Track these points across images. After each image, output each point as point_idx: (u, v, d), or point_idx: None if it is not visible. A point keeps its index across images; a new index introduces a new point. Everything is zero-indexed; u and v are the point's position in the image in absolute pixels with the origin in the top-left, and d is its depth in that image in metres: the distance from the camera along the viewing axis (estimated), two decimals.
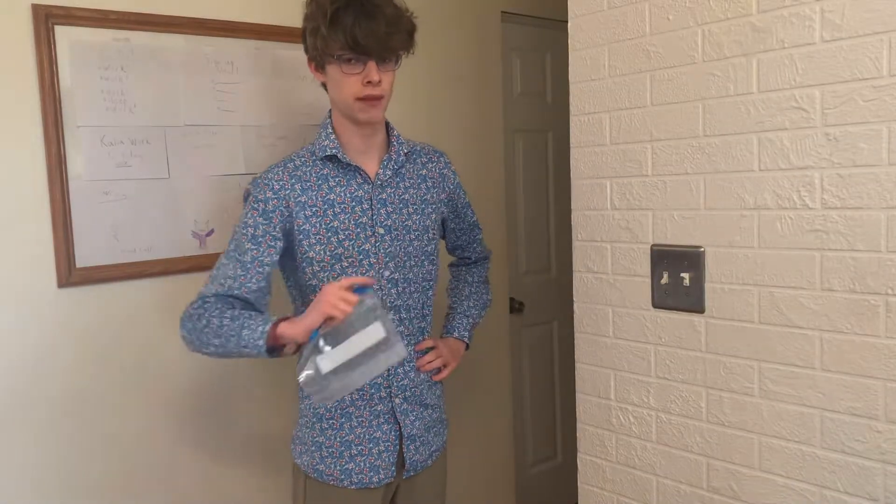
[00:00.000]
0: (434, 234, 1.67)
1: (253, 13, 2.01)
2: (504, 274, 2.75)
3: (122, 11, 1.79)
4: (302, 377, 1.33)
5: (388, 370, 1.57)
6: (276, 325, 1.40)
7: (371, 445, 1.59)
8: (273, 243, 1.51)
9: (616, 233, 1.68)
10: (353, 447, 1.59)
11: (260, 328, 1.40)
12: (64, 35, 1.72)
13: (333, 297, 1.35)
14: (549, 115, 2.92)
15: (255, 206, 1.51)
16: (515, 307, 2.82)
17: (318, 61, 1.51)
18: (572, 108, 1.75)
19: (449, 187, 1.73)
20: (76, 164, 1.75)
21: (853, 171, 1.30)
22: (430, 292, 1.69)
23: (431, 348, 1.70)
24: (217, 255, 1.96)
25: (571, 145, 1.77)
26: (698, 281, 1.53)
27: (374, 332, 1.35)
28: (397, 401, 1.61)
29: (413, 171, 1.64)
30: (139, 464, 1.88)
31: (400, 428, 1.61)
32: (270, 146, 2.06)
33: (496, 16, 2.67)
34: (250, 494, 2.08)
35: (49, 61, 1.69)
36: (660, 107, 1.57)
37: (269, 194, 1.51)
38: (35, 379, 1.73)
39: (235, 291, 1.48)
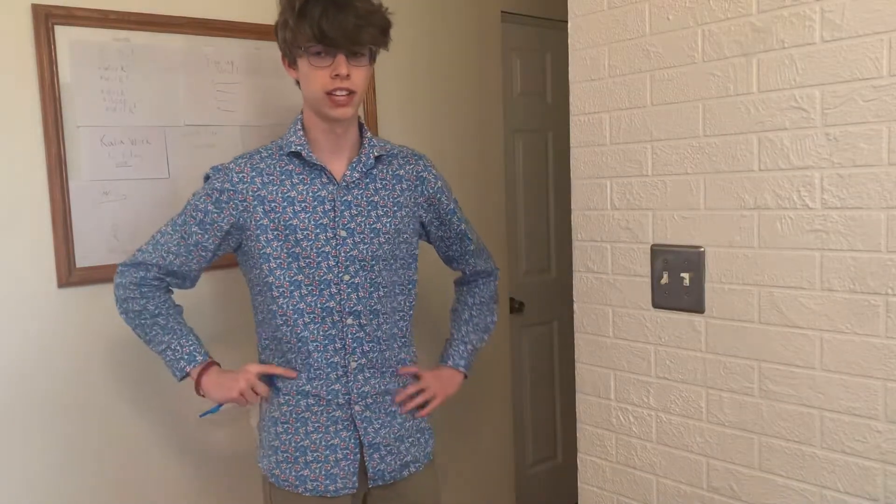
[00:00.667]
0: (408, 237, 1.63)
1: (253, 13, 2.01)
2: (504, 274, 2.75)
3: (122, 11, 1.79)
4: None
5: (346, 376, 1.56)
6: (203, 370, 1.57)
7: (328, 452, 1.55)
8: (218, 232, 1.54)
9: (616, 233, 1.68)
10: (309, 453, 1.55)
11: (183, 362, 1.57)
12: (64, 35, 1.72)
13: (245, 385, 1.54)
14: (549, 115, 2.92)
15: (210, 192, 1.53)
16: (515, 307, 2.82)
17: (290, 56, 1.50)
18: (572, 108, 1.75)
19: (428, 191, 1.67)
20: (76, 164, 1.75)
21: (853, 171, 1.30)
22: (404, 297, 1.64)
23: (416, 378, 1.67)
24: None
25: (571, 145, 1.77)
26: (698, 281, 1.53)
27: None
28: (357, 408, 1.56)
29: (387, 172, 1.60)
30: (139, 464, 1.88)
31: (360, 436, 1.57)
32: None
33: (496, 16, 2.67)
34: (252, 494, 2.08)
35: (49, 61, 1.70)
36: (660, 107, 1.57)
37: (227, 185, 1.52)
38: (35, 379, 1.73)
39: (174, 269, 1.57)
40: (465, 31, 2.56)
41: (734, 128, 1.45)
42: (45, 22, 1.69)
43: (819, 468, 1.39)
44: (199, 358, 1.57)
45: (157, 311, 1.58)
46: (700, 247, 1.53)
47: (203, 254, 1.56)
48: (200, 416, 1.67)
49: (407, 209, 1.62)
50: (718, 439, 1.53)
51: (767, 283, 1.43)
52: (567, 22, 1.74)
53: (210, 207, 1.52)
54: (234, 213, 1.52)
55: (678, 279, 1.56)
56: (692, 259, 1.54)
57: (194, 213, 1.54)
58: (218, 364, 1.61)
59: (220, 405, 1.61)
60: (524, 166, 2.87)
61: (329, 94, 1.45)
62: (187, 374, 1.57)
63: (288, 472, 1.56)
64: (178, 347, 1.57)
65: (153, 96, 1.86)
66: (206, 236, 1.54)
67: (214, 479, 2.01)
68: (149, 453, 1.90)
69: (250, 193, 1.51)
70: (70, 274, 1.75)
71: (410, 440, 1.64)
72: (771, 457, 1.45)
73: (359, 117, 1.62)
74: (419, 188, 1.65)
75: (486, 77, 2.64)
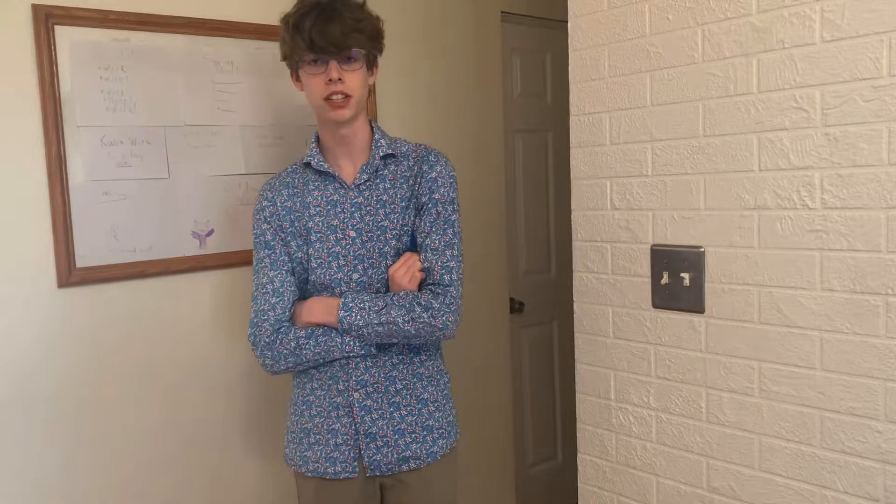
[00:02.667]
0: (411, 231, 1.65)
1: (253, 13, 2.01)
2: (504, 274, 2.75)
3: (122, 11, 1.79)
4: None
5: (348, 364, 1.59)
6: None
7: (329, 436, 1.60)
8: (284, 242, 1.62)
9: (616, 233, 1.68)
10: (312, 435, 1.62)
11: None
12: (64, 35, 1.72)
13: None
14: (549, 115, 2.92)
15: (258, 215, 1.65)
16: (515, 307, 2.82)
17: (294, 70, 1.61)
18: (572, 108, 1.75)
19: (421, 182, 1.61)
20: (76, 164, 1.75)
21: (853, 171, 1.30)
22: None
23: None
24: (217, 255, 1.97)
25: (571, 145, 1.77)
26: (698, 281, 1.53)
27: None
28: (356, 395, 1.59)
29: (397, 171, 1.64)
30: (139, 463, 1.88)
31: (356, 423, 1.59)
32: (270, 146, 2.06)
33: (496, 16, 2.67)
34: (252, 493, 2.08)
35: (49, 61, 1.69)
36: (660, 107, 1.57)
37: (265, 203, 1.65)
38: (35, 379, 1.73)
39: (279, 313, 1.59)
40: (465, 31, 2.56)
41: (734, 128, 1.45)
42: (45, 22, 1.69)
43: (819, 468, 1.39)
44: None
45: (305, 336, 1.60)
46: (700, 247, 1.53)
47: (284, 266, 1.62)
48: None
49: (411, 202, 1.64)
50: (718, 439, 1.53)
51: (767, 283, 1.43)
52: (567, 22, 1.74)
53: (265, 226, 1.63)
54: (280, 221, 1.63)
55: (678, 279, 1.56)
56: (692, 259, 1.54)
57: (258, 241, 1.64)
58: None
59: None
60: (524, 166, 2.87)
61: (327, 99, 1.54)
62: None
63: (294, 452, 1.65)
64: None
65: (153, 96, 1.86)
66: (277, 250, 1.62)
67: (215, 476, 2.01)
68: (149, 452, 1.90)
69: (279, 205, 1.63)
70: (70, 274, 1.75)
71: (412, 436, 1.62)
72: (771, 457, 1.45)
73: (370, 120, 1.67)
74: (417, 179, 1.64)
75: (486, 77, 2.64)
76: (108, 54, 1.79)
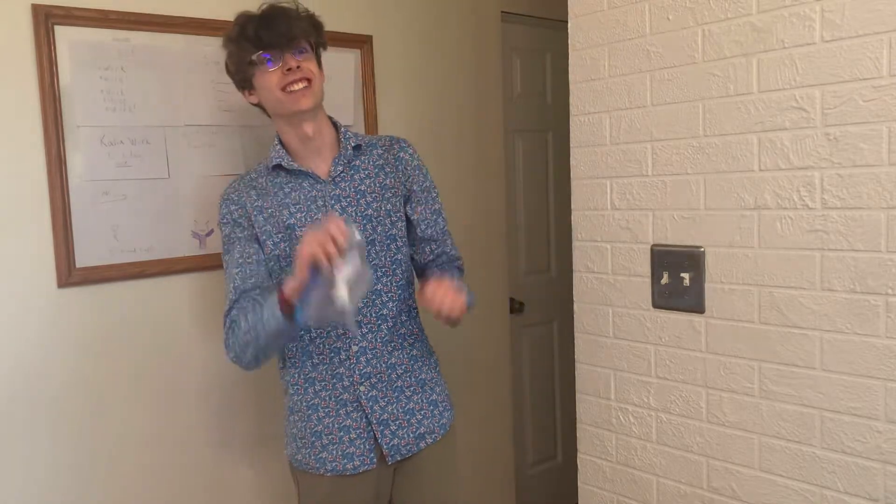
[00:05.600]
0: (398, 217, 1.67)
1: None
2: (504, 274, 2.75)
3: (122, 11, 1.79)
4: (345, 312, 1.37)
5: (349, 359, 1.60)
6: (280, 289, 1.45)
7: (342, 434, 1.61)
8: (252, 239, 1.61)
9: (616, 233, 1.68)
10: (324, 437, 1.61)
11: (271, 298, 1.47)
12: (64, 35, 1.72)
13: (314, 241, 1.36)
14: (549, 115, 2.92)
15: (223, 219, 1.64)
16: (515, 307, 2.82)
17: (244, 80, 1.61)
18: (572, 108, 1.75)
19: (407, 169, 1.69)
20: (76, 164, 1.75)
21: (853, 171, 1.30)
22: (407, 273, 1.69)
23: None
24: (217, 255, 1.96)
25: (571, 145, 1.77)
26: (698, 281, 1.53)
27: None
28: (362, 388, 1.61)
29: (369, 161, 1.67)
30: (138, 463, 1.88)
31: (368, 414, 1.61)
32: (270, 146, 2.06)
33: (496, 16, 2.67)
34: (254, 494, 2.08)
35: (49, 61, 1.69)
36: (660, 107, 1.57)
37: (232, 207, 1.63)
38: (35, 379, 1.73)
39: (244, 287, 1.56)
40: (465, 31, 2.56)
41: (734, 128, 1.45)
42: (45, 22, 1.69)
43: (819, 468, 1.39)
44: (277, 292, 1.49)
45: (244, 317, 1.53)
46: (700, 247, 1.53)
47: (251, 260, 1.60)
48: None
49: (393, 190, 1.67)
50: (718, 439, 1.53)
51: (767, 283, 1.43)
52: (567, 22, 1.74)
53: (232, 227, 1.62)
54: (248, 223, 1.61)
55: (678, 279, 1.56)
56: (692, 259, 1.54)
57: (225, 242, 1.63)
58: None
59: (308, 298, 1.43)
60: (524, 166, 2.87)
61: (286, 91, 1.54)
62: (284, 304, 1.46)
63: (308, 456, 1.63)
64: (266, 303, 1.49)
65: (153, 96, 1.85)
66: (244, 245, 1.60)
67: (216, 477, 2.01)
68: (148, 452, 1.90)
69: (248, 205, 1.62)
70: (70, 274, 1.75)
71: (422, 412, 1.67)
72: (771, 457, 1.45)
73: (331, 117, 1.68)
74: (399, 167, 1.69)
75: (486, 77, 2.64)
76: (108, 54, 1.79)
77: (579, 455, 1.82)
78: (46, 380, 1.74)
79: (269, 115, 1.65)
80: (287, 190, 1.62)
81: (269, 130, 2.05)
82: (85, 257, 1.77)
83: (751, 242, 1.45)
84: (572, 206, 1.78)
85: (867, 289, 1.30)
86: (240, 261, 1.59)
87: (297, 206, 1.61)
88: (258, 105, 1.65)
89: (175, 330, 1.92)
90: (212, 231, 1.96)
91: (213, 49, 1.94)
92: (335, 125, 1.69)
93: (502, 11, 2.69)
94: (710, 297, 1.52)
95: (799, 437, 1.41)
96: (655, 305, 1.61)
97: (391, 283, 1.65)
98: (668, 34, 1.54)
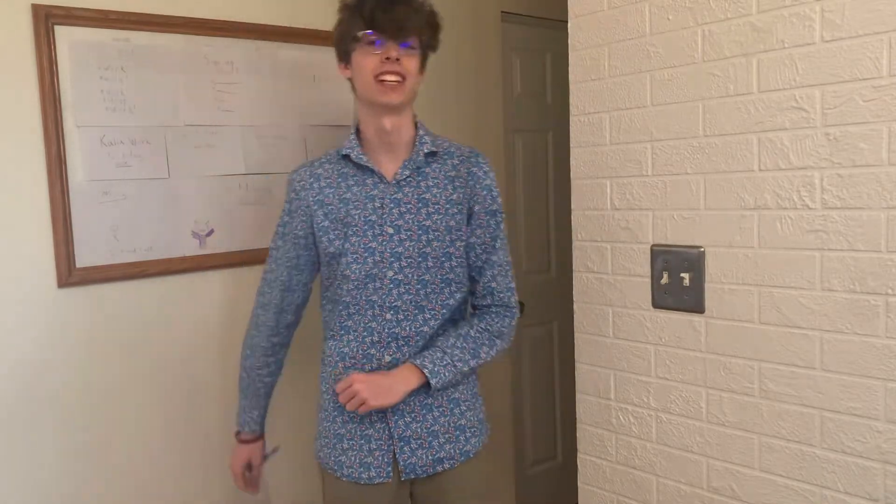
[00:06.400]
0: (458, 235, 1.59)
1: (253, 13, 2.01)
2: None
3: (122, 11, 1.79)
4: None
5: (380, 368, 1.56)
6: (238, 435, 1.80)
7: (362, 442, 1.58)
8: (296, 240, 1.63)
9: (616, 233, 1.68)
10: (345, 441, 1.60)
11: (238, 422, 1.79)
12: (64, 35, 1.72)
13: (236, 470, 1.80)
14: (549, 115, 2.92)
15: (286, 203, 1.65)
16: None
17: (344, 51, 1.56)
18: (572, 108, 1.75)
19: (477, 186, 1.60)
20: (76, 164, 1.75)
21: (853, 171, 1.30)
22: (456, 296, 1.60)
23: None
24: (217, 255, 1.97)
25: (571, 145, 1.77)
26: (698, 281, 1.53)
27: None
28: None
29: (440, 171, 1.60)
30: (138, 463, 1.88)
31: (391, 428, 1.58)
32: (270, 146, 2.06)
33: (496, 16, 2.67)
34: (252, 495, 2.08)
35: (49, 61, 1.69)
36: (660, 107, 1.57)
37: (292, 195, 1.63)
38: (35, 379, 1.73)
39: (280, 295, 1.67)
40: (464, 31, 2.56)
41: (734, 128, 1.45)
42: (45, 22, 1.69)
43: (819, 468, 1.39)
44: (246, 430, 1.80)
45: (247, 374, 1.76)
46: (700, 247, 1.53)
47: (288, 263, 1.65)
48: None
49: (459, 206, 1.59)
50: (718, 439, 1.53)
51: (767, 283, 1.43)
52: (567, 22, 1.74)
53: (286, 218, 1.65)
54: (302, 218, 1.61)
55: (678, 279, 1.56)
56: (692, 259, 1.54)
57: (278, 228, 1.67)
58: (258, 440, 1.81)
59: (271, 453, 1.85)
60: (524, 166, 2.87)
61: (379, 79, 1.49)
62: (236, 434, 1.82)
63: (329, 456, 1.63)
64: (241, 408, 1.79)
65: (153, 96, 1.85)
66: (288, 246, 1.64)
67: (215, 477, 2.01)
68: (148, 452, 1.90)
69: (311, 198, 1.60)
70: (70, 274, 1.75)
71: (446, 436, 1.60)
72: (771, 457, 1.45)
73: (415, 116, 1.63)
74: (469, 183, 1.60)
75: (486, 77, 2.64)
76: (108, 54, 1.79)
77: (579, 455, 1.82)
78: (47, 379, 1.74)
79: (355, 95, 1.60)
80: (350, 183, 1.59)
81: (269, 130, 2.05)
82: (85, 257, 1.77)
83: (751, 242, 1.45)
84: (572, 206, 1.78)
85: (867, 289, 1.30)
86: (276, 257, 1.65)
87: (356, 203, 1.57)
88: (350, 80, 1.59)
89: (175, 330, 1.92)
90: (212, 231, 1.96)
91: (213, 49, 1.94)
92: (417, 126, 1.62)
93: (502, 11, 2.69)
94: (710, 297, 1.52)
95: (799, 437, 1.41)
96: (655, 305, 1.61)
97: (437, 301, 1.58)
98: (668, 34, 1.54)
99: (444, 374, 1.53)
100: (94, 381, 1.81)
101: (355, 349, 1.58)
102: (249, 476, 1.81)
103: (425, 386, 1.53)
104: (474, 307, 1.67)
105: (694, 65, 1.50)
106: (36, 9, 1.68)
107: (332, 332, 1.63)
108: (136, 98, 1.83)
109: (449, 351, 1.56)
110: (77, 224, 1.76)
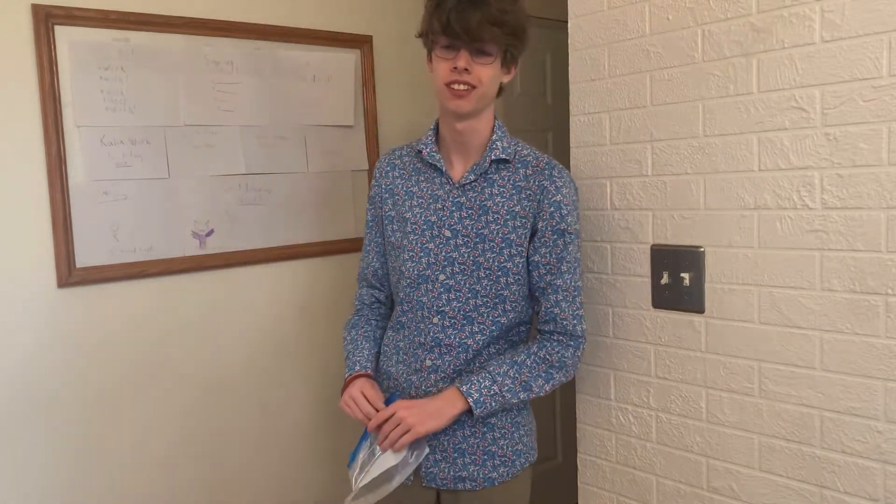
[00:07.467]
0: (519, 251, 1.50)
1: (253, 13, 2.01)
2: None
3: (122, 11, 1.79)
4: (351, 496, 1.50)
5: (420, 371, 1.53)
6: (353, 378, 1.56)
7: None
8: (379, 228, 1.66)
9: (616, 233, 1.68)
10: None
11: (349, 369, 1.61)
12: (64, 35, 1.72)
13: (346, 397, 1.53)
14: (549, 115, 2.92)
15: (370, 192, 1.69)
16: None
17: (428, 48, 1.54)
18: (572, 108, 1.75)
19: (545, 201, 1.49)
20: (76, 165, 1.75)
21: (853, 171, 1.30)
22: (510, 315, 1.52)
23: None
24: (217, 255, 1.97)
25: (571, 145, 1.77)
26: (698, 281, 1.53)
27: (384, 461, 1.47)
28: None
29: (509, 179, 1.52)
30: (138, 463, 1.88)
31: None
32: (270, 146, 2.06)
33: None
34: (253, 494, 2.08)
35: (49, 61, 1.70)
36: (660, 107, 1.57)
37: (373, 182, 1.67)
38: (35, 378, 1.73)
39: (370, 280, 1.70)
40: None
41: (734, 128, 1.45)
42: (45, 22, 1.69)
43: (819, 468, 1.39)
44: (358, 370, 1.59)
45: (349, 333, 1.70)
46: (700, 247, 1.53)
47: (378, 249, 1.67)
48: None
49: (523, 219, 1.50)
50: (718, 439, 1.53)
51: (767, 283, 1.43)
52: (567, 22, 1.74)
53: (369, 206, 1.69)
54: (381, 204, 1.64)
55: (678, 279, 1.56)
56: (692, 259, 1.54)
57: (368, 220, 1.69)
58: (368, 377, 1.59)
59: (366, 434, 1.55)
60: None
61: (448, 86, 1.46)
62: (345, 378, 1.62)
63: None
64: (349, 356, 1.64)
65: (153, 96, 1.86)
66: (373, 233, 1.68)
67: (212, 478, 2.01)
68: (148, 452, 1.90)
69: (384, 187, 1.64)
70: (70, 274, 1.75)
71: (471, 458, 1.53)
72: (771, 457, 1.45)
73: (495, 118, 1.57)
74: (538, 196, 1.50)
75: None
76: (108, 54, 1.79)
77: (579, 455, 1.82)
78: (46, 380, 1.74)
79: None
80: (420, 178, 1.57)
81: (269, 130, 2.05)
82: (85, 257, 1.77)
83: (751, 242, 1.45)
84: None
85: (867, 289, 1.30)
86: (367, 247, 1.69)
87: (420, 200, 1.55)
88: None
89: (175, 330, 1.93)
90: (212, 231, 1.96)
91: (213, 49, 1.95)
92: (493, 129, 1.55)
93: None
94: (710, 296, 1.52)
95: (799, 437, 1.41)
96: (655, 305, 1.61)
97: (488, 316, 1.51)
98: (668, 34, 1.54)
99: (489, 404, 1.46)
100: (93, 381, 1.81)
101: (407, 346, 1.56)
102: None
103: (468, 412, 1.47)
104: (539, 331, 1.57)
105: (694, 65, 1.50)
106: (36, 9, 1.68)
107: (391, 324, 1.64)
108: (135, 98, 1.83)
109: (499, 380, 1.47)
110: (77, 224, 1.76)
